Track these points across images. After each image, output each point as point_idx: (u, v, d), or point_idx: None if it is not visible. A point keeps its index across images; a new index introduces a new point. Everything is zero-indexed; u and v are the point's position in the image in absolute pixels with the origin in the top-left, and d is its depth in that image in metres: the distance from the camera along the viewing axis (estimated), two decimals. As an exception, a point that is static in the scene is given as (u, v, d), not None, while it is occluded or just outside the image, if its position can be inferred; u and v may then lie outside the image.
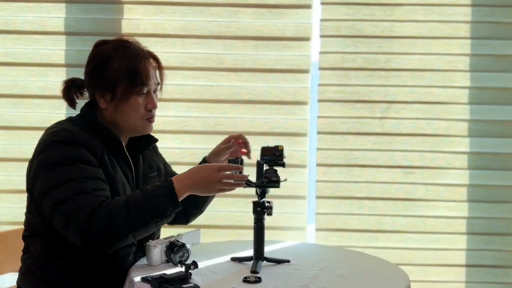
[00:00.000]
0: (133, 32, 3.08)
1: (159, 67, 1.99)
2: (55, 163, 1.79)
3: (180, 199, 1.82)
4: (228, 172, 1.85)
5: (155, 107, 1.96)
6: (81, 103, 2.03)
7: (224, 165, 1.87)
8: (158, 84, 1.99)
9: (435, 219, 3.14)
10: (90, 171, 1.81)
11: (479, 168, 3.13)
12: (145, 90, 1.93)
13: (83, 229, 1.72)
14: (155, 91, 1.98)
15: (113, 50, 1.92)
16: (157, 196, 1.79)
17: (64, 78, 3.10)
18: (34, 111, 3.14)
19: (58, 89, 3.25)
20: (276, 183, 1.86)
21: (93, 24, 3.12)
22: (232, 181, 1.84)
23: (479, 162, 3.13)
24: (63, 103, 3.15)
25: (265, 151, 1.93)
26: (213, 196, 2.19)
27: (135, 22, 3.13)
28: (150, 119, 1.96)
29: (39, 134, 3.10)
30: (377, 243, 3.15)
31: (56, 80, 3.11)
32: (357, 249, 2.68)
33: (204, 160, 2.18)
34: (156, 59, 1.99)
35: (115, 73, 1.89)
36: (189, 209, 2.14)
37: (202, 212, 2.23)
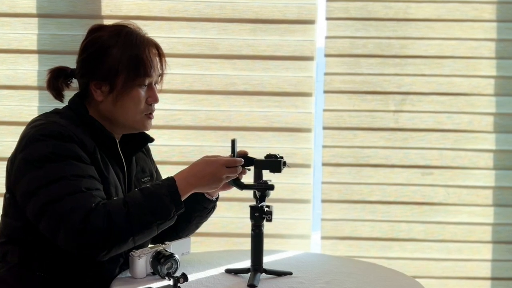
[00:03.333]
0: (115, 14, 3.09)
1: (161, 56, 2.00)
2: (44, 159, 1.79)
3: (183, 199, 1.84)
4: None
5: (156, 101, 1.98)
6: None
7: (230, 159, 1.89)
8: (159, 75, 2.00)
9: (456, 226, 3.15)
10: (84, 168, 1.82)
11: (506, 168, 3.14)
12: (147, 82, 1.95)
13: (79, 231, 1.73)
14: (155, 83, 2.00)
15: (113, 36, 1.93)
16: (158, 195, 1.81)
17: (36, 66, 3.10)
18: (1, 103, 3.14)
19: (29, 78, 3.26)
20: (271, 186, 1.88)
21: (68, 5, 3.12)
22: (234, 173, 1.90)
23: (506, 162, 3.14)
24: (35, 95, 3.17)
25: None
26: (211, 213, 2.19)
27: (117, 3, 3.13)
28: (149, 115, 1.99)
29: (8, 129, 3.09)
30: (391, 253, 3.16)
31: (27, 69, 3.11)
32: (368, 260, 2.69)
33: None
34: (157, 47, 2.01)
35: (116, 62, 1.90)
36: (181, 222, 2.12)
37: (196, 228, 2.22)
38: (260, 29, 3.14)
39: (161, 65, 2.00)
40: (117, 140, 1.98)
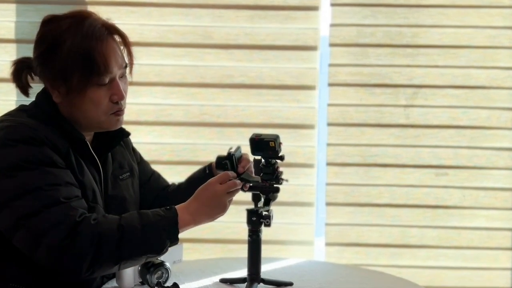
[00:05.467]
0: (99, 0, 3.08)
1: (126, 44, 1.94)
2: (16, 167, 1.77)
3: (181, 232, 1.83)
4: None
5: (122, 98, 1.92)
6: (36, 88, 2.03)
7: (222, 174, 1.89)
8: (126, 66, 1.95)
9: (473, 231, 3.16)
10: (59, 175, 1.80)
11: (527, 168, 3.16)
12: (106, 80, 1.88)
13: (62, 248, 1.72)
14: (122, 76, 1.94)
15: (64, 30, 1.86)
16: (157, 228, 1.79)
17: (14, 56, 3.11)
18: (-24, 97, 3.15)
19: (6, 70, 3.24)
20: (277, 184, 1.88)
21: (49, -10, 3.13)
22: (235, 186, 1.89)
23: (527, 161, 3.16)
24: (13, 88, 3.13)
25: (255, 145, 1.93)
26: None
27: (102, -13, 3.14)
28: (117, 112, 1.94)
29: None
30: (401, 260, 3.17)
31: (4, 59, 3.12)
32: (377, 269, 2.69)
33: (210, 167, 2.18)
34: (122, 36, 1.93)
35: (67, 61, 1.84)
36: None
37: None
38: (259, 16, 3.14)
39: (129, 55, 1.94)
40: (87, 142, 1.94)
